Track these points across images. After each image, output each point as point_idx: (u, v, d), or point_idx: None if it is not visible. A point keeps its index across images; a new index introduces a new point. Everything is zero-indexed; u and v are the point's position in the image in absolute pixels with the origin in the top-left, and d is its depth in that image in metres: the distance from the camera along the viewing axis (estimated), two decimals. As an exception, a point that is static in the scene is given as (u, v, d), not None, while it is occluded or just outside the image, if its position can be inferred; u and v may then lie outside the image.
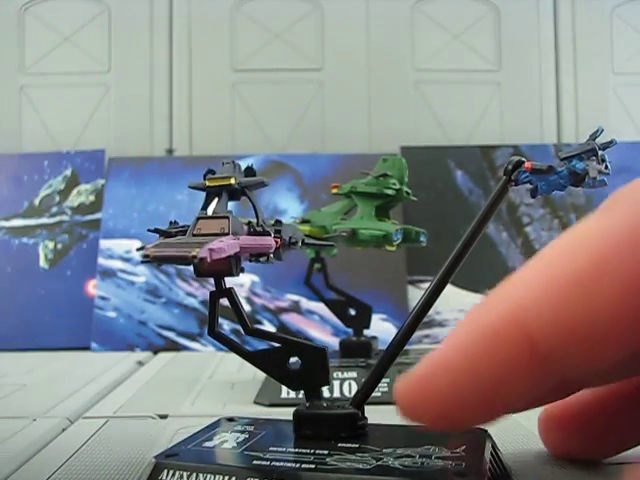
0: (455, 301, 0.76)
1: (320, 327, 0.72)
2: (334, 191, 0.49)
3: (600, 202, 0.20)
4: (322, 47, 0.88)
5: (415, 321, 0.26)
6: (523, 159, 0.26)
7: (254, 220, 0.29)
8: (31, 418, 0.40)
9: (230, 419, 0.30)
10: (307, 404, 0.27)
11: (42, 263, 0.78)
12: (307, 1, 0.88)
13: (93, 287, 0.75)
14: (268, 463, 0.23)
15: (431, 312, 0.74)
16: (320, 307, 0.67)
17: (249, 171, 0.30)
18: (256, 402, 0.44)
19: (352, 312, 0.53)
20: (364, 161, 0.74)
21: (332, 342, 0.69)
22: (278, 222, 0.29)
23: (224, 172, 0.29)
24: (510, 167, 0.27)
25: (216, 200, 0.29)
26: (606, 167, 0.26)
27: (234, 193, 0.29)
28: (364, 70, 0.88)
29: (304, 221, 0.49)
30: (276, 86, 0.87)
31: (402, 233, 0.46)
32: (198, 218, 0.27)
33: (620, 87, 0.89)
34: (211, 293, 0.28)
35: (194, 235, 0.26)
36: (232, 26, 0.87)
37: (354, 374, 0.45)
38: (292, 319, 0.73)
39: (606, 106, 0.89)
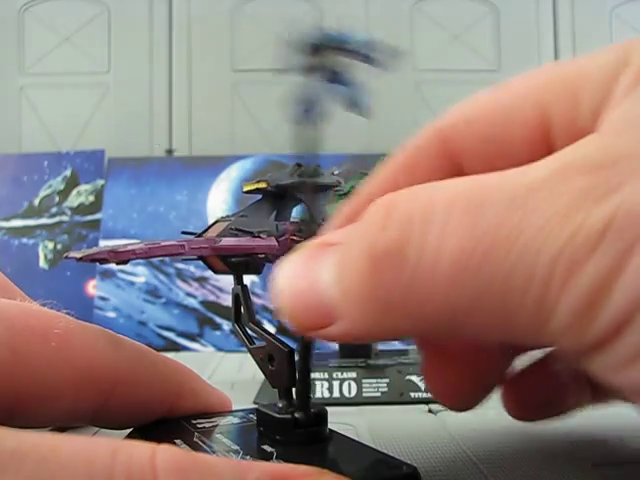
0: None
1: (320, 327, 0.72)
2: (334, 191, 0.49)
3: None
4: (322, 47, 0.88)
5: None
6: None
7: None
8: (31, 418, 0.40)
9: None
10: (274, 403, 0.26)
11: (42, 263, 0.78)
12: (307, 1, 0.88)
13: (93, 287, 0.75)
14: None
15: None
16: (320, 307, 0.67)
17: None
18: (256, 402, 0.44)
19: (352, 312, 0.53)
20: (364, 161, 0.74)
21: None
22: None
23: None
24: None
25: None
26: None
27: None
28: (364, 70, 0.88)
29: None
30: (276, 86, 0.87)
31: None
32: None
33: (620, 87, 0.89)
34: (244, 285, 0.32)
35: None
36: (232, 26, 0.87)
37: (354, 374, 0.45)
38: (292, 319, 0.72)
39: (606, 106, 0.89)
